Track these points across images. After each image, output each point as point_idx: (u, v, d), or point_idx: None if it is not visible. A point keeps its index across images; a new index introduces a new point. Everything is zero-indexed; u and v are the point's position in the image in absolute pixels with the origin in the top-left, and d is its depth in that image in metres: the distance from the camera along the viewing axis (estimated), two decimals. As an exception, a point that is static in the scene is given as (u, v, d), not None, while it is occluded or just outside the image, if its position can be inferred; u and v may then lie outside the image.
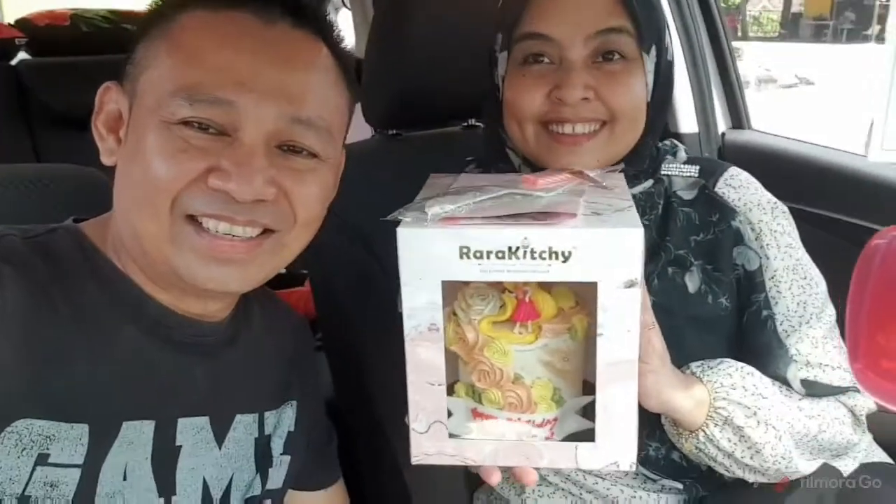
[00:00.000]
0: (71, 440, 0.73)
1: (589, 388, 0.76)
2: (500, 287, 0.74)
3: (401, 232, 0.68)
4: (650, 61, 0.95)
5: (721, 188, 1.03)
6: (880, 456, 1.07)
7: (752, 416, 0.88)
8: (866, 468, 1.02)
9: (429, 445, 0.74)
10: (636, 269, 0.67)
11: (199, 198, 0.74)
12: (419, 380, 0.72)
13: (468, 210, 0.70)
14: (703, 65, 1.53)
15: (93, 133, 0.82)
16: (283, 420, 0.94)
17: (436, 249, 0.67)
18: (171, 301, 0.82)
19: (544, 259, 0.67)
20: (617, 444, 0.72)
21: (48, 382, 0.73)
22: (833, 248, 1.36)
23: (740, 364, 0.92)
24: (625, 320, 0.68)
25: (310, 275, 1.38)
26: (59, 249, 0.79)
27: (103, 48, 2.31)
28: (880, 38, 20.86)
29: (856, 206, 1.38)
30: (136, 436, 0.78)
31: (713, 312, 0.99)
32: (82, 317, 0.76)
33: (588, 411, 0.74)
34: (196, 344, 0.84)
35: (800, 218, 1.25)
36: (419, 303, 0.69)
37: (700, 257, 1.00)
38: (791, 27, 26.17)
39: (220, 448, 0.86)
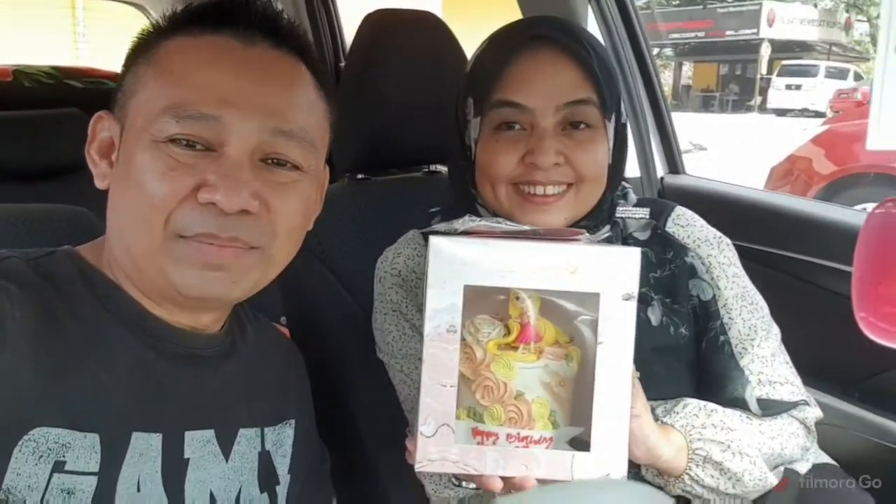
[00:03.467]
0: (85, 448, 0.75)
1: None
2: (505, 316, 0.81)
3: (432, 240, 0.76)
4: (611, 127, 1.04)
5: (671, 227, 1.14)
6: (825, 458, 1.18)
7: (727, 450, 0.97)
8: (817, 468, 1.12)
9: (434, 451, 0.78)
10: (634, 284, 0.76)
11: (190, 215, 0.78)
12: (432, 381, 0.77)
13: (490, 228, 0.80)
14: (642, 119, 1.70)
15: (86, 160, 0.85)
16: (283, 439, 0.96)
17: (461, 256, 0.76)
18: (166, 315, 0.85)
19: (556, 270, 0.76)
20: (610, 453, 0.78)
21: (61, 392, 0.75)
22: (762, 276, 1.52)
23: (702, 402, 1.01)
24: (622, 330, 0.77)
25: (286, 310, 1.41)
26: (59, 270, 0.82)
27: (46, 103, 2.29)
28: (761, 108, 22.54)
29: (779, 238, 1.54)
30: (146, 448, 0.80)
31: (675, 341, 1.08)
32: (87, 330, 0.79)
33: (576, 443, 0.81)
34: (195, 356, 0.87)
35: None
36: (442, 305, 0.76)
37: (659, 292, 1.09)
38: (682, 98, 27.98)
39: (226, 461, 0.88)
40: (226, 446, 0.88)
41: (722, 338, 1.08)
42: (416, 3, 1.70)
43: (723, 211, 1.61)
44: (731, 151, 12.19)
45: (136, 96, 0.81)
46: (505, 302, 0.80)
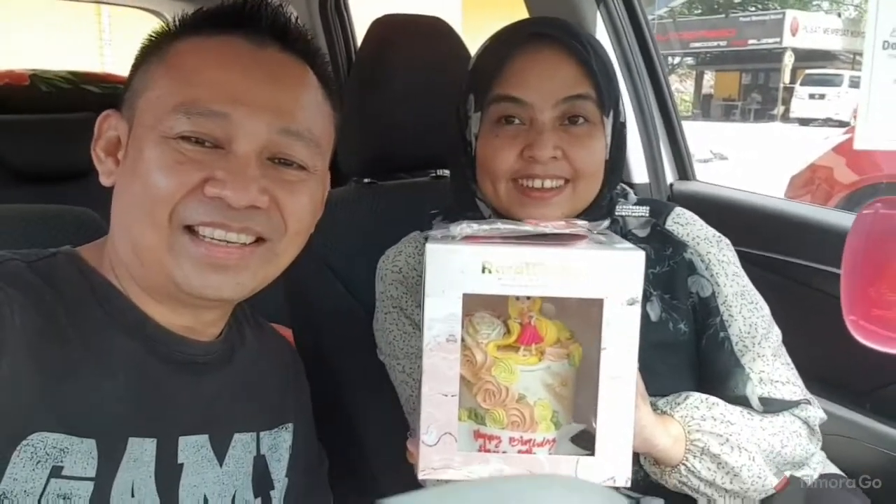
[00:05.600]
0: (82, 454, 0.76)
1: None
2: (504, 314, 0.80)
3: (429, 247, 0.74)
4: (608, 124, 1.05)
5: (670, 225, 1.14)
6: (834, 469, 1.18)
7: (725, 443, 0.96)
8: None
9: (437, 459, 0.77)
10: (637, 289, 0.75)
11: (196, 207, 0.78)
12: (433, 391, 0.76)
13: (489, 232, 0.78)
14: (652, 124, 1.69)
15: (92, 157, 0.86)
16: (279, 443, 0.96)
17: (460, 264, 0.74)
18: (167, 315, 0.85)
19: (558, 276, 0.74)
20: (615, 459, 0.77)
21: (59, 398, 0.75)
22: (771, 284, 1.49)
23: (704, 396, 1.01)
24: (626, 335, 0.76)
25: (291, 314, 1.42)
26: (60, 272, 0.82)
27: (63, 108, 2.32)
28: (784, 118, 22.33)
29: (790, 246, 1.52)
30: (140, 453, 0.80)
31: (674, 338, 1.08)
32: (86, 335, 0.79)
33: (579, 439, 0.80)
34: (193, 363, 0.87)
35: (741, 258, 1.37)
36: (440, 314, 0.75)
37: (658, 288, 1.09)
38: (703, 107, 27.78)
39: (220, 466, 0.88)
40: (220, 451, 0.88)
41: (722, 334, 1.08)
42: (434, 9, 1.70)
43: (733, 217, 1.60)
44: (753, 161, 12.08)
45: (145, 94, 0.82)
46: (504, 299, 0.79)
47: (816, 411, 1.08)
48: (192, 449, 0.85)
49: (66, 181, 2.23)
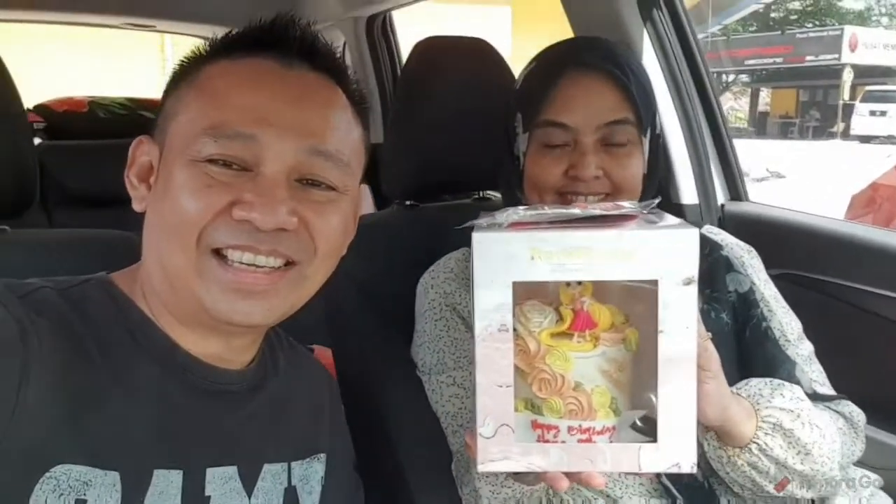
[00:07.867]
0: (106, 486, 0.74)
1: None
2: (556, 301, 0.77)
3: (476, 236, 0.71)
4: (646, 142, 1.11)
5: (704, 233, 1.19)
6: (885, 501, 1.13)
7: (796, 419, 0.95)
8: None
9: (495, 451, 0.74)
10: (693, 267, 0.71)
11: (224, 230, 0.77)
12: (488, 381, 0.73)
13: (535, 218, 0.75)
14: (702, 143, 1.64)
15: (125, 184, 0.86)
16: (310, 475, 0.94)
17: (508, 251, 0.71)
18: (198, 343, 0.84)
19: (609, 259, 0.71)
20: (678, 444, 0.73)
21: (84, 429, 0.74)
22: (832, 309, 1.43)
23: (766, 378, 1.00)
24: (684, 316, 0.72)
25: (330, 336, 1.41)
26: (92, 300, 0.82)
27: (120, 133, 2.39)
28: (844, 135, 21.73)
29: (850, 270, 1.46)
30: (166, 485, 0.78)
31: (717, 327, 1.08)
32: (114, 365, 0.78)
33: (640, 426, 0.76)
34: (223, 392, 0.86)
35: (794, 282, 1.32)
36: (490, 304, 0.72)
37: (699, 283, 1.08)
38: (759, 125, 27.22)
39: (249, 499, 0.85)
40: (249, 483, 0.86)
41: (764, 324, 1.11)
42: (485, 30, 1.70)
43: (790, 240, 1.54)
44: (812, 179, 11.77)
45: (176, 118, 0.82)
46: (554, 286, 0.76)
47: (857, 409, 1.09)
48: (220, 481, 0.83)
49: (122, 204, 2.28)
